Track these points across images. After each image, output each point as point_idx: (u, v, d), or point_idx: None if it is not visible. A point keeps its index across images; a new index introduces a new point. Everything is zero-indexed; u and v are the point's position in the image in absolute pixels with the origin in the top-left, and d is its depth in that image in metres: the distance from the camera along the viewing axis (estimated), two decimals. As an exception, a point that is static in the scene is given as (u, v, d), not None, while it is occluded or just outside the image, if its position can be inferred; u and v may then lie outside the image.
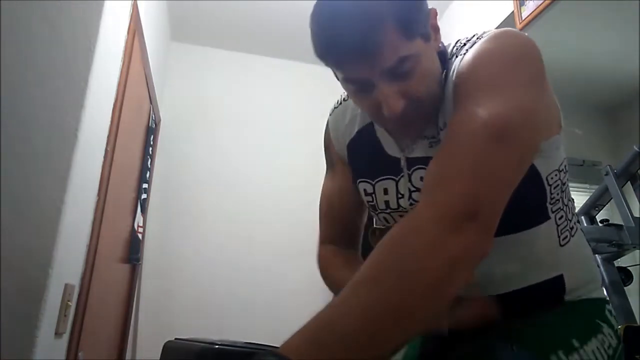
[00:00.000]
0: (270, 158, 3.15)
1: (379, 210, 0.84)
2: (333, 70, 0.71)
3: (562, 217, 0.76)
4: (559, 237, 0.75)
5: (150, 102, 2.54)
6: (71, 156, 1.26)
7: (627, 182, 2.20)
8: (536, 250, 0.75)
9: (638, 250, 2.27)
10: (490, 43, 0.68)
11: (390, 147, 0.80)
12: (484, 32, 0.71)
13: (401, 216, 0.81)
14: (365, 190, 0.85)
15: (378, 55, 0.63)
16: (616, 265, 2.27)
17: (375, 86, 0.66)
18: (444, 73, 0.73)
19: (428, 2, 0.70)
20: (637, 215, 2.08)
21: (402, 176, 0.78)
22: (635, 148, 2.09)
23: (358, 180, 0.86)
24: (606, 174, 2.21)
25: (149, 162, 2.49)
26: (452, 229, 0.53)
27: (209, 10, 2.91)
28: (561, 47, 3.03)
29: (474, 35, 0.73)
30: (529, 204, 0.60)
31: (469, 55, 0.68)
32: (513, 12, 2.17)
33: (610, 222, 2.20)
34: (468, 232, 0.53)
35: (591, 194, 2.40)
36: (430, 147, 0.74)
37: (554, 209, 0.75)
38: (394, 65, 0.65)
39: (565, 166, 0.77)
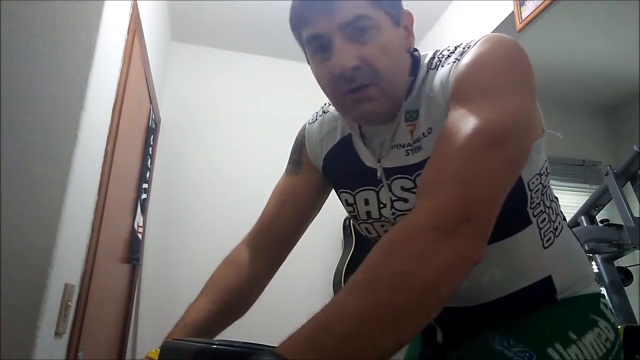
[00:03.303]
0: (271, 158, 3.13)
1: (361, 221, 0.84)
2: (301, 37, 0.74)
3: (544, 219, 0.76)
4: (542, 239, 0.75)
5: (150, 102, 2.54)
6: (71, 156, 1.26)
7: (627, 182, 2.20)
8: (520, 255, 0.75)
9: (638, 250, 2.27)
10: (485, 47, 0.69)
11: (367, 158, 0.80)
12: (472, 41, 0.72)
13: (382, 226, 0.81)
14: (346, 200, 0.85)
15: (337, 8, 0.68)
16: (616, 265, 2.27)
17: (333, 44, 0.69)
18: (416, 79, 0.75)
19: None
20: (637, 215, 2.08)
21: (382, 186, 0.78)
22: (635, 148, 2.09)
23: (339, 191, 0.87)
24: (606, 174, 2.21)
25: (149, 162, 2.48)
26: (446, 232, 0.53)
27: (209, 10, 2.92)
28: (561, 47, 3.03)
29: (458, 46, 0.73)
30: (510, 210, 0.60)
31: (466, 59, 0.69)
32: (513, 12, 2.17)
33: (610, 222, 2.20)
34: (462, 235, 0.53)
35: (591, 194, 2.41)
36: (407, 155, 0.74)
37: (535, 213, 0.74)
38: (351, 20, 0.68)
39: (546, 168, 0.76)
